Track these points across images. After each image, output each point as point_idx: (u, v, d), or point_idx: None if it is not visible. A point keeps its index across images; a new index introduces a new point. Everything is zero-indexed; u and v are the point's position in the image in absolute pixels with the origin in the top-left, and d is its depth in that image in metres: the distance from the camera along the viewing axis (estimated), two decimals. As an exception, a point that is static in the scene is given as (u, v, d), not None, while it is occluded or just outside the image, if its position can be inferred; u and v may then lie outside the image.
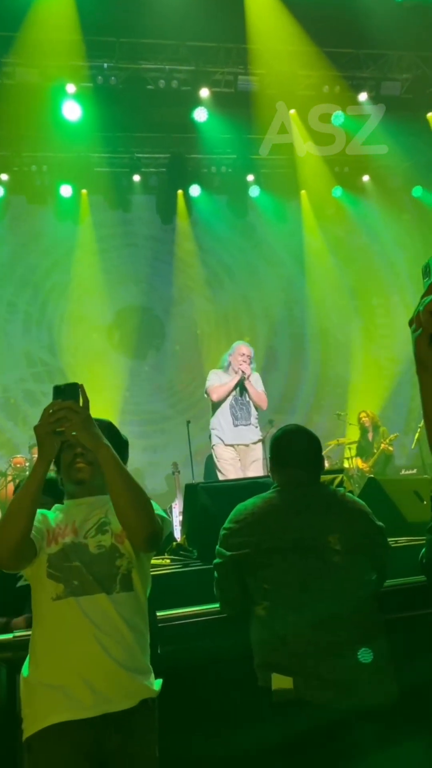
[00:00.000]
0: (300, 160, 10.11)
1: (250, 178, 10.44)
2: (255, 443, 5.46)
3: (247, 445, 5.42)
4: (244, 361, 5.44)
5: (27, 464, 8.11)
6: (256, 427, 5.53)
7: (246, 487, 3.43)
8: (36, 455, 6.84)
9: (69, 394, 1.76)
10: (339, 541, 2.02)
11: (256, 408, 5.53)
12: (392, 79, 9.36)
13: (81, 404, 1.77)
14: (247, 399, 5.45)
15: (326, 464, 9.08)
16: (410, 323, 1.35)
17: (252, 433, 5.47)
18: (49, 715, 1.68)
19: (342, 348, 11.14)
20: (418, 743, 1.96)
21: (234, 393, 5.42)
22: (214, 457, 5.52)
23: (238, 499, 3.28)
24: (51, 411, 1.75)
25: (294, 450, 2.23)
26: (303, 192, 10.80)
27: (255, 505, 2.12)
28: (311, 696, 1.84)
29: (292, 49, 8.43)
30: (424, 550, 2.24)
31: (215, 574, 2.14)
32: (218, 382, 5.48)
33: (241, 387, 5.43)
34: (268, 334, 11.20)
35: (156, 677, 1.84)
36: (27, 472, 8.04)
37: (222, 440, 5.41)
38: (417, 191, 10.87)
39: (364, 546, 2.07)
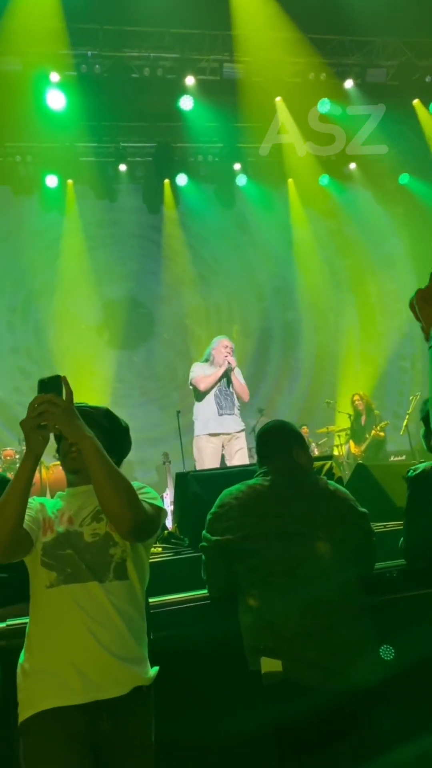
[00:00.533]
0: (287, 148, 10.10)
1: (237, 166, 10.41)
2: (239, 432, 5.56)
3: (230, 434, 5.51)
4: (229, 353, 5.56)
5: (17, 456, 8.09)
6: (239, 417, 5.64)
7: (236, 475, 3.44)
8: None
9: (52, 387, 1.75)
10: (323, 527, 2.06)
11: (238, 399, 5.64)
12: (378, 65, 9.35)
13: (64, 396, 1.76)
14: (231, 390, 5.57)
15: (316, 452, 9.13)
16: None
17: (235, 422, 5.57)
18: (42, 700, 1.69)
19: (332, 336, 11.18)
20: (403, 721, 2.00)
21: (219, 383, 5.54)
22: (194, 448, 5.57)
23: (229, 487, 3.31)
24: (35, 405, 1.74)
25: (278, 443, 2.28)
26: (290, 180, 10.79)
27: (240, 491, 2.15)
28: (299, 678, 1.87)
29: (278, 35, 8.39)
30: (402, 538, 2.29)
31: (203, 557, 2.18)
32: (203, 374, 5.58)
33: (227, 379, 5.55)
34: (258, 323, 11.21)
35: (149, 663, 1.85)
36: (17, 465, 8.04)
37: (205, 430, 5.49)
38: (404, 178, 10.89)
39: (347, 532, 2.10)
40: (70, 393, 1.78)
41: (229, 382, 5.55)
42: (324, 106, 9.33)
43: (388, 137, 10.00)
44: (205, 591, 2.21)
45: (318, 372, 11.11)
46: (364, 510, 2.18)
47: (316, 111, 9.45)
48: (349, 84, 9.28)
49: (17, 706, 1.73)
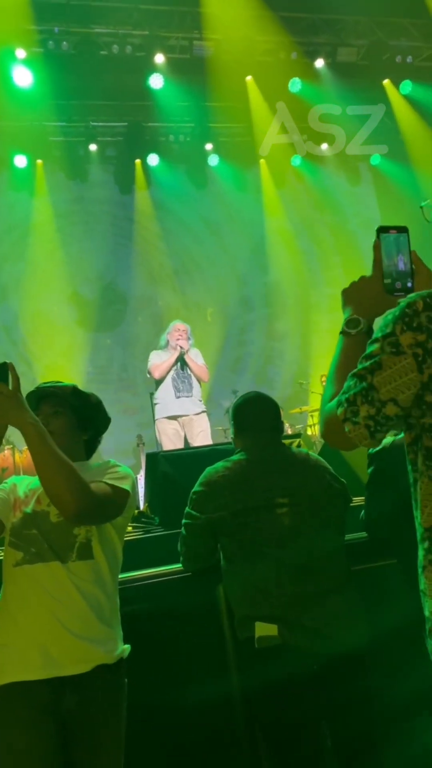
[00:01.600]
0: (258, 128, 10.05)
1: (209, 146, 10.34)
2: (198, 414, 5.64)
3: (189, 416, 5.58)
4: (180, 336, 5.64)
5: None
6: (199, 399, 5.72)
7: (207, 455, 3.49)
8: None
9: None
10: (309, 498, 2.11)
11: (198, 381, 5.71)
12: (348, 45, 9.32)
13: (10, 384, 1.75)
14: (188, 373, 5.65)
15: (289, 431, 9.20)
16: None
17: (194, 404, 5.64)
18: (4, 674, 1.74)
19: (304, 316, 11.24)
20: (386, 681, 2.08)
21: (175, 368, 5.62)
22: (156, 431, 5.65)
23: (199, 466, 3.33)
24: None
25: (255, 415, 2.29)
26: (262, 161, 10.76)
27: (225, 467, 2.17)
28: (293, 641, 1.94)
29: (248, 13, 8.30)
30: (363, 510, 2.36)
31: (183, 532, 2.20)
32: (158, 360, 5.68)
33: (181, 362, 5.62)
34: (232, 305, 11.22)
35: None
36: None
37: (165, 413, 5.58)
38: (375, 159, 10.92)
39: (332, 501, 2.16)
40: (16, 379, 1.77)
41: (184, 365, 5.62)
42: (295, 85, 9.30)
43: (359, 117, 10.01)
44: (175, 566, 2.25)
45: (291, 353, 11.19)
46: (343, 480, 2.24)
47: (316, 111, 9.53)
48: (319, 63, 9.25)
49: None
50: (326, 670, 1.96)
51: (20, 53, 8.11)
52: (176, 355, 5.59)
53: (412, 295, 1.36)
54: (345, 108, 9.66)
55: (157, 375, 5.64)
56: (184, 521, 2.19)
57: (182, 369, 5.65)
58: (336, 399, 1.37)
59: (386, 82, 9.74)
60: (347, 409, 1.33)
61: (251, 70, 9.16)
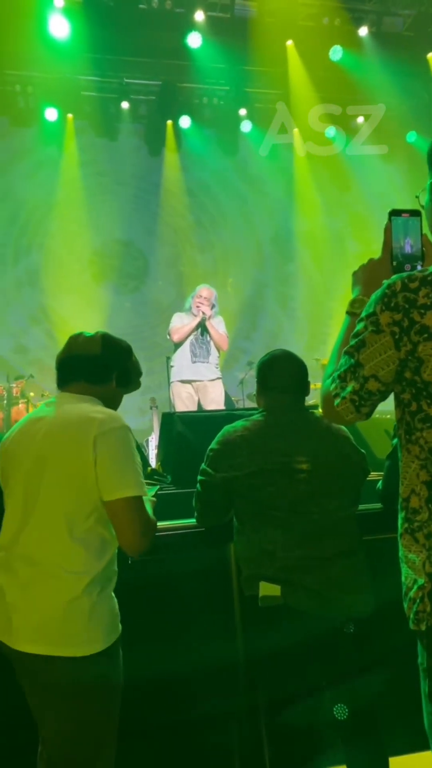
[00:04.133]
0: (294, 95, 9.83)
1: (243, 112, 10.13)
2: (212, 381, 5.67)
3: (203, 383, 5.61)
4: (202, 303, 5.64)
5: (5, 393, 8.10)
6: (216, 366, 5.75)
7: (223, 418, 3.47)
8: (16, 386, 6.70)
9: None
10: (326, 466, 2.09)
11: (217, 349, 5.74)
12: (395, 14, 9.05)
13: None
14: (208, 339, 5.67)
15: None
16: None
17: (209, 371, 5.68)
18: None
19: (327, 291, 11.12)
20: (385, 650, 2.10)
21: (195, 333, 5.65)
22: (170, 393, 5.72)
23: (214, 429, 3.32)
24: None
25: (281, 374, 2.24)
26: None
27: (244, 427, 2.14)
28: (296, 603, 1.95)
29: (294, -26, 8.07)
30: (380, 482, 2.34)
31: (198, 488, 2.19)
32: (180, 324, 5.69)
33: (202, 328, 5.64)
34: (254, 275, 11.12)
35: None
36: (5, 401, 8.05)
37: (179, 376, 5.64)
38: (411, 136, 10.65)
39: (349, 471, 2.14)
40: None
41: (204, 331, 5.62)
42: (336, 53, 9.05)
43: (398, 91, 9.74)
44: (186, 521, 2.26)
45: (312, 328, 11.10)
46: (363, 451, 2.22)
47: (316, 111, 9.39)
48: (363, 32, 8.99)
49: None
50: (329, 634, 1.97)
51: (58, 1, 7.94)
52: (197, 320, 5.60)
53: (394, 276, 1.42)
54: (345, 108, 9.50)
55: (175, 338, 5.67)
56: (199, 477, 2.19)
57: (202, 335, 5.68)
58: (332, 375, 1.48)
59: (430, 55, 9.44)
60: (338, 384, 1.45)
61: (293, 34, 8.92)
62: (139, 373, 2.04)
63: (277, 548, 2.00)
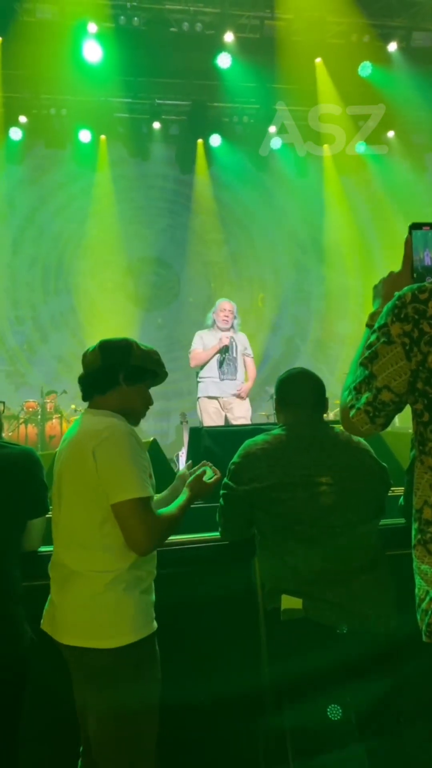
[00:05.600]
0: (324, 114, 9.88)
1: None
2: (240, 399, 5.59)
3: (230, 400, 5.56)
4: (226, 318, 5.58)
5: (39, 408, 8.25)
6: (242, 383, 5.65)
7: (250, 433, 3.49)
8: (50, 401, 6.85)
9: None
10: (347, 478, 2.09)
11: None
12: (424, 29, 9.05)
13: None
14: (234, 355, 5.59)
15: (332, 416, 9.14)
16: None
17: (237, 388, 5.60)
18: (154, 623, 1.95)
19: (362, 304, 11.06)
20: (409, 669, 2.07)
21: (222, 352, 5.56)
22: (197, 408, 5.63)
23: (241, 443, 3.35)
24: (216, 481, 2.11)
25: (299, 390, 2.26)
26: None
27: (265, 441, 2.17)
28: (317, 616, 1.95)
29: (322, -7, 8.16)
30: (402, 497, 2.33)
31: (221, 502, 2.21)
32: (200, 347, 5.60)
33: (227, 347, 5.55)
34: (286, 290, 11.14)
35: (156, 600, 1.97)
36: (39, 417, 8.18)
37: (206, 393, 5.57)
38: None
39: (370, 484, 2.13)
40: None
41: (230, 349, 5.55)
42: (365, 69, 9.10)
43: (429, 105, 9.72)
44: (213, 534, 2.28)
45: (344, 346, 11.05)
46: (384, 464, 2.21)
47: (316, 111, 9.42)
48: (392, 47, 9.02)
49: None
50: (351, 647, 1.96)
51: (92, 28, 8.17)
52: (216, 349, 5.52)
53: (405, 288, 1.42)
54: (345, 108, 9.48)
55: (193, 364, 5.61)
56: (222, 492, 2.20)
57: (228, 352, 5.61)
58: (349, 387, 1.49)
59: (461, 68, 9.40)
60: (354, 396, 1.45)
61: (321, 52, 8.99)
62: (155, 362, 1.98)
63: (299, 562, 2.00)
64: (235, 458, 2.19)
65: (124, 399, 1.95)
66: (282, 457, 2.10)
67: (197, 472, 2.11)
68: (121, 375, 1.94)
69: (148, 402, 2.01)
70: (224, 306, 5.68)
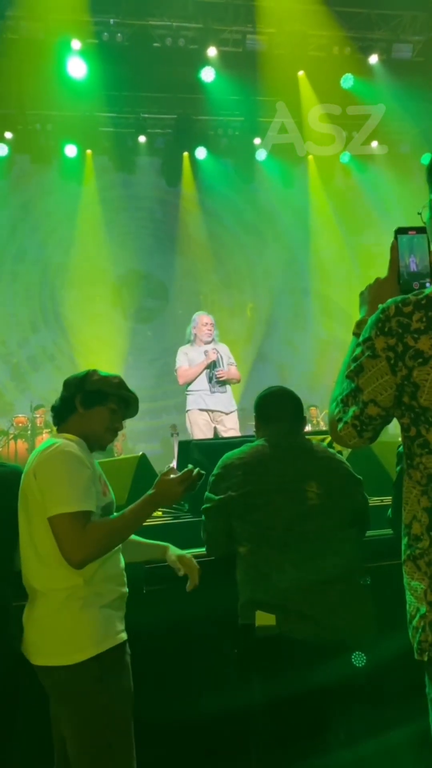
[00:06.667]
0: (308, 124, 9.98)
1: (257, 141, 10.31)
2: (229, 414, 5.53)
3: (221, 414, 5.49)
4: (209, 331, 5.52)
5: (29, 424, 8.22)
6: (231, 395, 5.60)
7: (238, 445, 3.50)
8: (39, 416, 6.82)
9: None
10: (320, 486, 2.10)
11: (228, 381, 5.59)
12: (404, 41, 9.19)
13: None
14: (222, 368, 5.49)
15: (323, 425, 9.15)
16: None
17: (228, 401, 5.54)
18: (121, 633, 1.93)
19: (343, 316, 11.14)
20: (390, 679, 2.06)
21: (211, 363, 5.46)
22: (186, 421, 5.58)
23: (230, 456, 3.36)
24: (192, 480, 1.92)
25: (277, 406, 2.31)
26: (310, 157, 10.68)
27: (242, 452, 2.21)
28: (292, 631, 1.94)
29: (302, 7, 8.26)
30: (390, 508, 2.34)
31: (203, 517, 2.23)
32: (186, 363, 5.51)
33: (214, 364, 5.46)
34: (271, 300, 11.19)
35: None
36: (29, 432, 8.14)
37: (197, 405, 5.47)
38: (426, 158, 10.63)
39: (343, 493, 2.15)
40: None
41: (218, 363, 5.46)
42: (347, 81, 9.20)
43: (411, 116, 9.84)
44: (201, 549, 2.28)
45: (327, 351, 11.10)
46: (359, 477, 2.23)
47: (316, 111, 9.48)
48: (373, 59, 9.14)
49: None
50: (327, 662, 1.93)
51: (76, 44, 8.24)
52: (204, 364, 5.43)
53: (389, 300, 1.40)
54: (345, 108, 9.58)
55: (181, 381, 5.50)
56: (203, 507, 2.22)
57: (215, 367, 5.51)
58: (336, 399, 1.46)
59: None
60: (341, 409, 1.43)
61: (303, 65, 9.10)
62: (113, 386, 2.02)
63: (272, 570, 1.99)
64: (215, 470, 2.21)
65: (82, 423, 1.99)
66: (258, 465, 2.13)
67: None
68: (78, 400, 2.00)
69: (110, 425, 2.03)
70: (205, 320, 5.60)
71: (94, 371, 2.05)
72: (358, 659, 1.98)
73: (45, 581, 1.87)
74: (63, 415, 2.03)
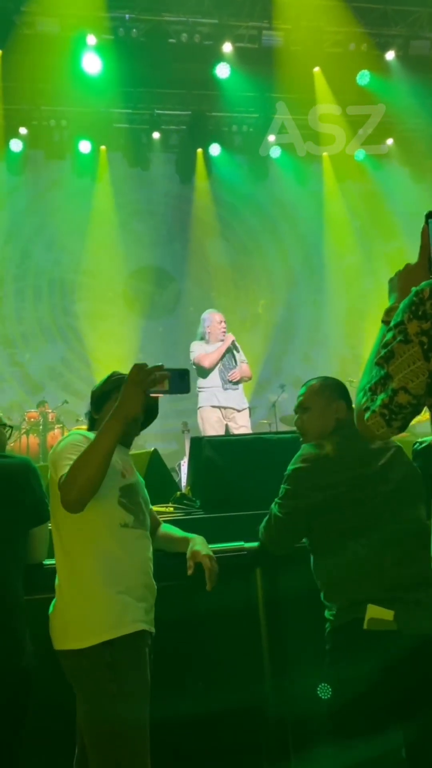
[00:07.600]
0: (323, 120, 9.91)
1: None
2: (241, 411, 5.53)
3: (233, 411, 5.48)
4: (224, 329, 5.53)
5: (40, 418, 8.24)
6: (243, 393, 5.61)
7: (251, 442, 3.47)
8: (52, 413, 6.89)
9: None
10: (400, 474, 2.07)
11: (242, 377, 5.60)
12: (422, 37, 9.10)
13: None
14: (235, 365, 5.51)
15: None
16: None
17: (240, 397, 5.54)
18: (135, 623, 1.92)
19: (359, 312, 11.08)
20: None
21: (223, 359, 5.50)
22: (198, 419, 5.56)
23: (243, 453, 3.31)
24: (160, 372, 1.96)
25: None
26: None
27: (325, 445, 2.11)
28: (407, 625, 1.87)
29: (319, 3, 8.21)
30: None
31: (278, 513, 2.13)
32: (204, 351, 5.51)
33: (230, 353, 5.50)
34: (285, 298, 11.15)
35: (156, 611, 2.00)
36: (40, 427, 8.17)
37: (210, 402, 5.47)
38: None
39: (414, 480, 2.10)
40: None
41: (233, 356, 5.49)
42: (363, 78, 9.14)
43: (427, 112, 9.76)
44: (217, 545, 2.24)
45: (344, 350, 11.06)
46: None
47: (316, 111, 9.44)
48: (390, 56, 9.06)
49: None
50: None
51: (91, 40, 8.23)
52: (227, 345, 5.45)
53: (423, 283, 1.35)
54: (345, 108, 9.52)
55: (207, 364, 5.45)
56: (279, 501, 2.13)
57: (230, 360, 5.53)
58: (364, 388, 1.41)
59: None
60: (369, 397, 1.37)
61: (319, 61, 9.03)
62: (113, 382, 2.17)
63: (387, 563, 1.94)
64: (297, 464, 2.12)
65: (100, 423, 2.02)
66: (350, 457, 2.07)
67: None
68: (93, 411, 2.18)
69: None
70: (216, 317, 5.61)
71: (103, 379, 2.23)
72: None
73: (67, 567, 1.93)
74: (90, 426, 2.19)
